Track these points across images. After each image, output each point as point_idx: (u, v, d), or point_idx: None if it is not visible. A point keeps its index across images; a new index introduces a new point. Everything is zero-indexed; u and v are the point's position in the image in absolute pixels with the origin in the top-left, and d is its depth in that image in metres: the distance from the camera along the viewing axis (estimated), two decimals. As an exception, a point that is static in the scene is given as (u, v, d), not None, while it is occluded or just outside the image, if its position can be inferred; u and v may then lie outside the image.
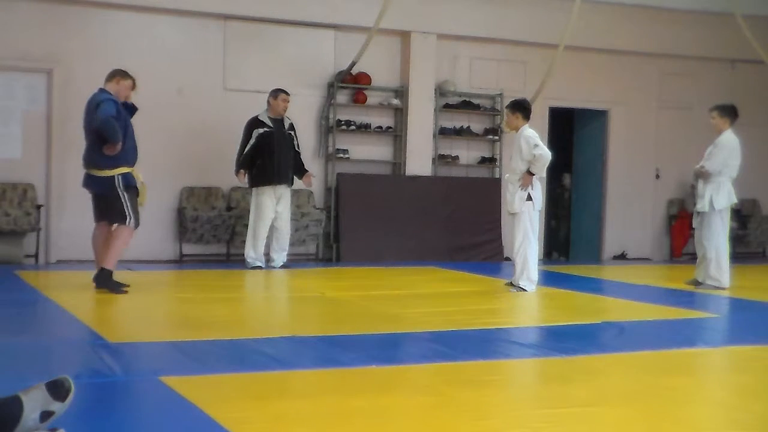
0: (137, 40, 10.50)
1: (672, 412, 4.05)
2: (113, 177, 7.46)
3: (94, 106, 7.44)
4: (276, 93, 9.93)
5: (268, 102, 9.95)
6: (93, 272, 7.79)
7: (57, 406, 3.18)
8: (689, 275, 9.40)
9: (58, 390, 3.19)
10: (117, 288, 7.50)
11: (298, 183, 10.28)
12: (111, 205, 7.54)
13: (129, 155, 7.55)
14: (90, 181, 7.63)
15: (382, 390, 4.33)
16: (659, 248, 13.48)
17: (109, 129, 7.29)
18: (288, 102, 9.96)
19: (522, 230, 8.30)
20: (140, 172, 7.69)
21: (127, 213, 7.50)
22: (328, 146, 11.52)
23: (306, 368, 4.82)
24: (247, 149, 9.77)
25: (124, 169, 7.51)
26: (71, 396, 3.23)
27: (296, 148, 10.09)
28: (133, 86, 7.73)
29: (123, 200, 7.49)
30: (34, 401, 3.14)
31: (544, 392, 4.51)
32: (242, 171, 9.78)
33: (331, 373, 4.68)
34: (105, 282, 7.49)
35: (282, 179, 9.89)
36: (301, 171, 10.14)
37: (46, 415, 3.15)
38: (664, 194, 13.45)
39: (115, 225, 7.59)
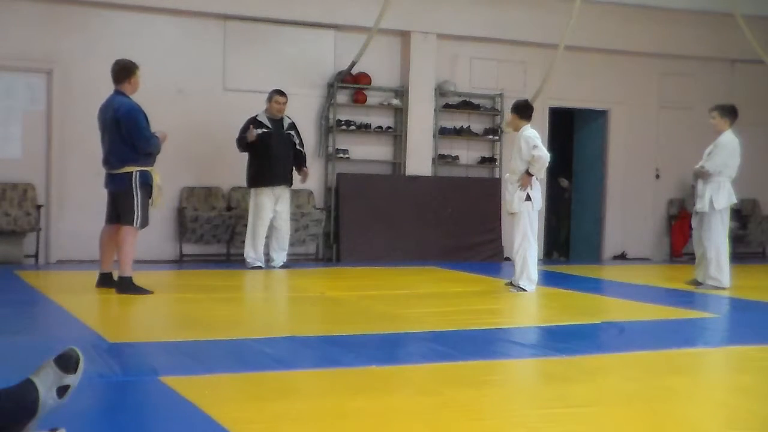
0: (137, 40, 10.48)
1: (672, 412, 4.05)
2: (131, 173, 7.46)
3: (124, 116, 7.43)
4: (270, 95, 9.93)
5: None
6: (95, 272, 7.80)
7: (71, 379, 3.17)
8: (689, 275, 9.41)
9: (67, 363, 3.18)
10: (141, 292, 7.48)
11: (297, 183, 10.28)
12: (123, 202, 7.51)
13: (149, 155, 7.60)
14: (108, 180, 7.65)
15: (382, 390, 4.34)
16: (659, 248, 13.48)
17: (153, 147, 7.57)
18: (282, 104, 9.92)
19: (521, 230, 8.31)
20: (158, 174, 7.70)
21: (135, 212, 7.48)
22: (328, 146, 11.52)
23: (306, 368, 4.82)
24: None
25: (143, 168, 7.52)
26: (82, 365, 3.21)
27: (297, 147, 10.09)
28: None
29: (135, 198, 7.46)
30: (47, 381, 3.13)
31: (544, 392, 4.51)
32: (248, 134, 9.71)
33: (331, 373, 4.68)
34: (127, 289, 7.48)
35: (280, 180, 9.88)
36: (300, 166, 10.11)
37: (62, 390, 3.15)
38: (664, 194, 13.44)
39: (122, 226, 7.52)
